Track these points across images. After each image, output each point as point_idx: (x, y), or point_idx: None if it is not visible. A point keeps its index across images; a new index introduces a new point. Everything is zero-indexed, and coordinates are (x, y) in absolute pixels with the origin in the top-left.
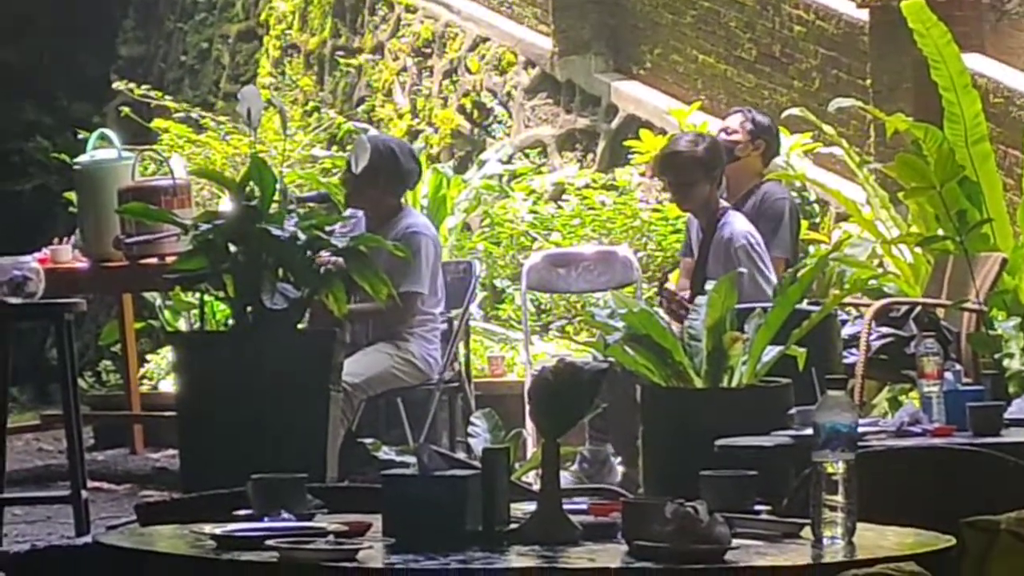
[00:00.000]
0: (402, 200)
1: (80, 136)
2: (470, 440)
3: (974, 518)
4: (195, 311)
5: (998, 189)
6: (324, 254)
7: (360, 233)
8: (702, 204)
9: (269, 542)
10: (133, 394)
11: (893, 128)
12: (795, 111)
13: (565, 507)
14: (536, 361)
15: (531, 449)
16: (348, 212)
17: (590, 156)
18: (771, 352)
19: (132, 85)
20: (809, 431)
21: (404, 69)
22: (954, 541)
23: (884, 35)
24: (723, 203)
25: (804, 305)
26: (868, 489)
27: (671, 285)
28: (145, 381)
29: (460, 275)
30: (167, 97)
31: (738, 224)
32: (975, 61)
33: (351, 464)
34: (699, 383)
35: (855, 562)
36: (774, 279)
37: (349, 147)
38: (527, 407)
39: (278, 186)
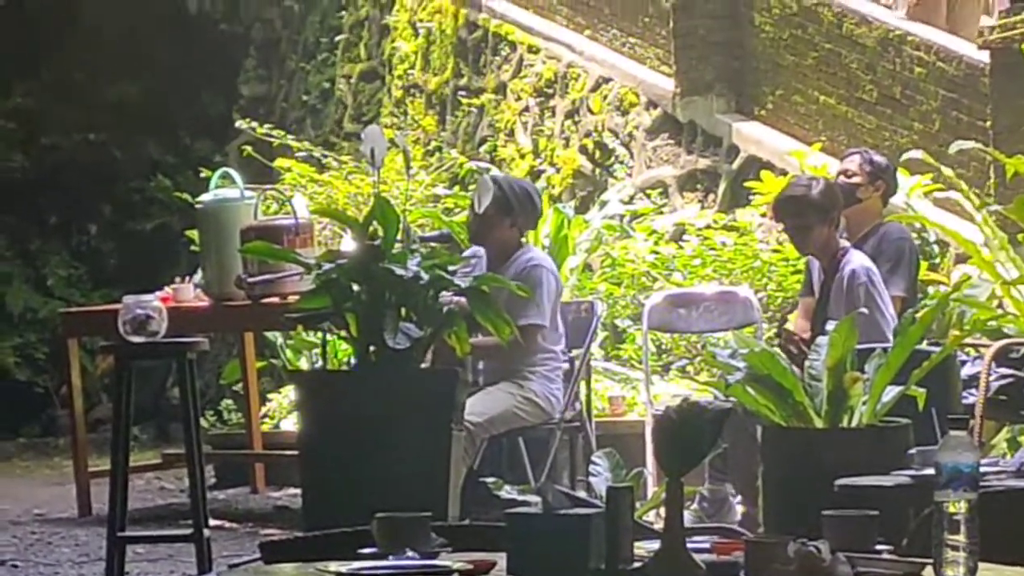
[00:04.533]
0: (523, 238)
1: (202, 175)
2: (591, 479)
3: None
4: (317, 350)
5: None
6: (447, 294)
7: (482, 272)
8: (821, 246)
9: None
10: (254, 433)
11: (1013, 170)
12: (915, 153)
13: (688, 546)
14: (656, 401)
15: (651, 489)
16: (468, 252)
17: (711, 196)
18: (891, 392)
19: (254, 124)
20: (929, 471)
21: (526, 109)
22: None
23: (1005, 76)
24: (843, 243)
25: (924, 346)
26: (989, 529)
27: (791, 325)
28: (266, 420)
29: (582, 315)
30: (289, 136)
31: (858, 261)
32: None
33: (473, 503)
34: (819, 423)
35: None
36: (894, 316)
37: (472, 187)
38: (648, 446)
39: (401, 225)
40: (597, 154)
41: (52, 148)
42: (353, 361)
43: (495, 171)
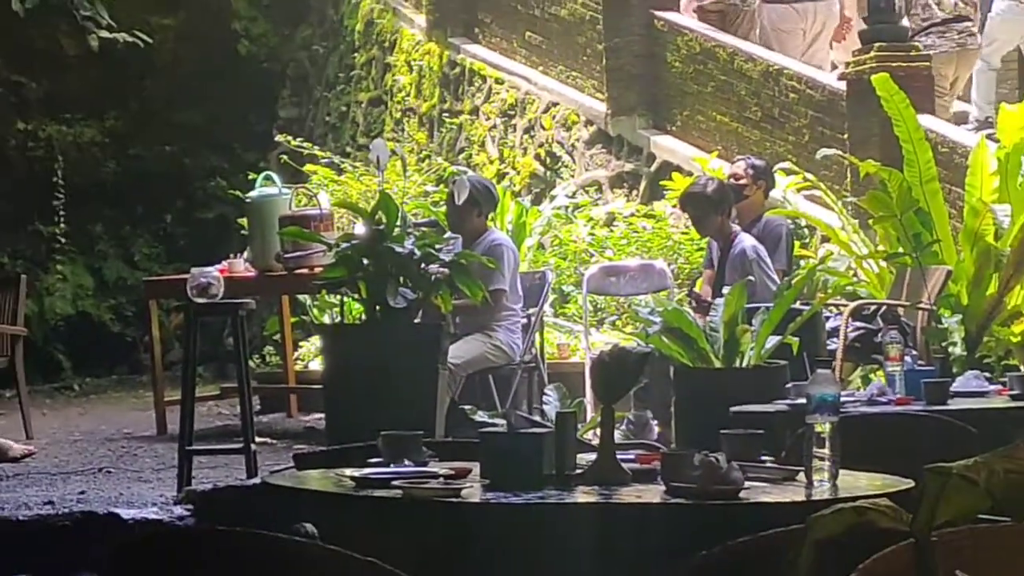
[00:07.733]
0: (488, 222)
1: (250, 177)
2: (544, 407)
3: (932, 464)
4: (337, 309)
5: (945, 217)
6: (434, 266)
7: (459, 249)
8: (717, 231)
9: (395, 482)
10: (289, 371)
11: (865, 171)
12: (785, 165)
13: (618, 457)
14: (593, 347)
15: (590, 414)
16: (448, 235)
17: (634, 192)
18: (772, 341)
19: (289, 138)
20: (802, 400)
21: (494, 127)
22: (913, 483)
23: (858, 100)
24: (735, 228)
25: (797, 305)
26: (847, 445)
27: (697, 290)
28: (299, 362)
29: (536, 282)
30: (315, 148)
31: (748, 242)
32: (927, 120)
33: (454, 425)
34: (718, 364)
35: (839, 499)
36: (777, 281)
37: (452, 184)
38: (587, 381)
39: (400, 214)
40: (548, 160)
41: (137, 158)
42: (364, 317)
43: (469, 172)
